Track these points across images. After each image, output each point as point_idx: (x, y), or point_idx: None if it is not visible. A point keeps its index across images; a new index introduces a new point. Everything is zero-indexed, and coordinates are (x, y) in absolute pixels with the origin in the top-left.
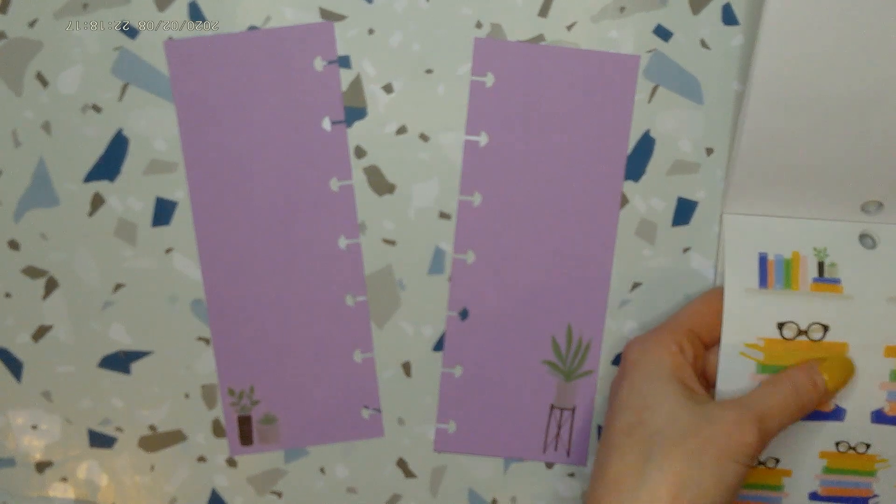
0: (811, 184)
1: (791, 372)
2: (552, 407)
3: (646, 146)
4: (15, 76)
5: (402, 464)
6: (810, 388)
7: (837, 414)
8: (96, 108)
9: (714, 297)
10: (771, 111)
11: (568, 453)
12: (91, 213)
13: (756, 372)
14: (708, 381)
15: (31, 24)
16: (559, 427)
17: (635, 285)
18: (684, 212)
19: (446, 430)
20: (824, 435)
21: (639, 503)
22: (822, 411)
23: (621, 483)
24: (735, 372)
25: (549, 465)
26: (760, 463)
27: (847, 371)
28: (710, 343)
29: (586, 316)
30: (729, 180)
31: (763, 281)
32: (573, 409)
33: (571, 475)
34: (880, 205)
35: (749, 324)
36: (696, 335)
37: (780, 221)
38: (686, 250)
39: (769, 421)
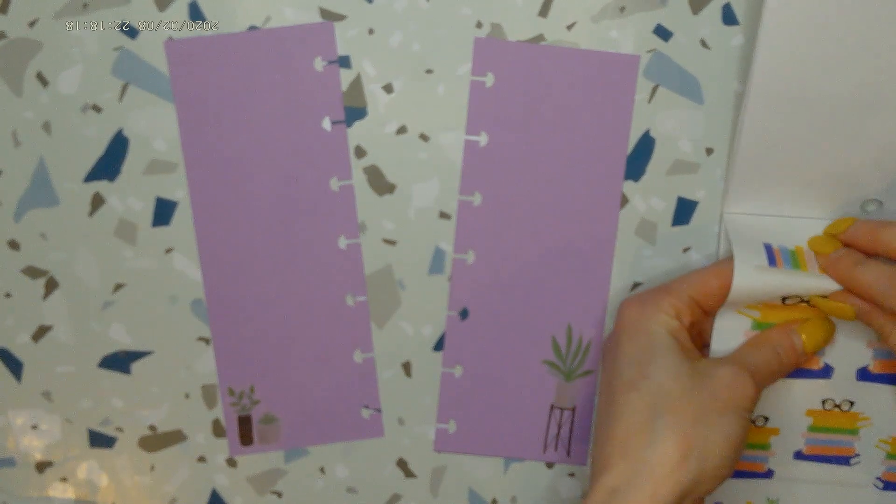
0: (811, 183)
1: (771, 334)
2: (552, 407)
3: (646, 146)
4: (15, 76)
5: (402, 464)
6: (789, 349)
7: (825, 372)
8: (96, 108)
9: (722, 268)
10: (770, 111)
11: (568, 453)
12: (91, 213)
13: (751, 329)
14: (702, 347)
15: (31, 24)
16: (559, 427)
17: (635, 285)
18: (684, 212)
19: (446, 430)
20: (811, 393)
21: (649, 463)
22: (810, 369)
23: (630, 442)
24: (730, 330)
25: (549, 465)
26: (751, 422)
27: (826, 331)
28: (709, 312)
29: (586, 316)
30: (729, 180)
31: (772, 261)
32: (573, 409)
33: (571, 475)
34: (880, 203)
35: (755, 297)
36: (695, 303)
37: (781, 220)
38: (686, 250)
39: (758, 376)
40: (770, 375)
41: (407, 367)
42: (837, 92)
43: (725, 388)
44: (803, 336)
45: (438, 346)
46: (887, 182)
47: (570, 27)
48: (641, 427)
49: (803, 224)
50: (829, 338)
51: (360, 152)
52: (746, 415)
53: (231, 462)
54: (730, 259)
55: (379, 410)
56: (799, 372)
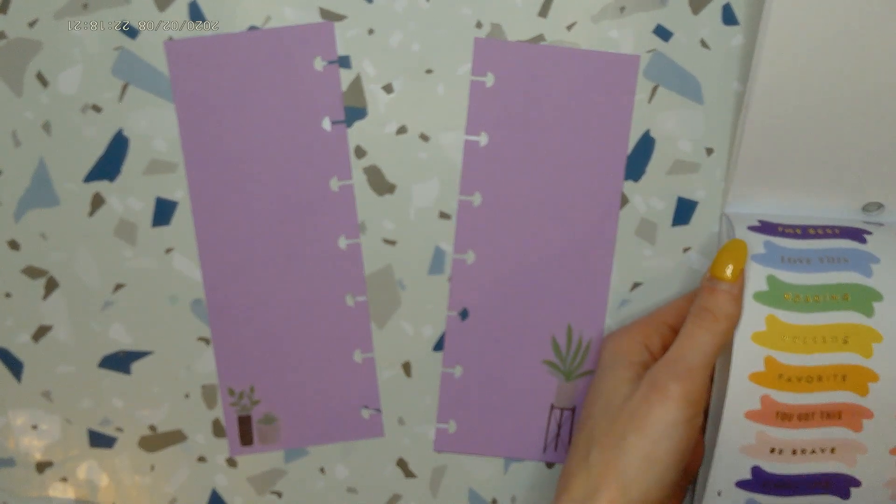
0: (812, 185)
1: (694, 303)
2: (552, 407)
3: (646, 146)
4: (15, 76)
5: (402, 464)
6: (706, 293)
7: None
8: (96, 108)
9: (693, 293)
10: (772, 112)
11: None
12: (91, 213)
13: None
14: None
15: (31, 24)
16: (559, 427)
17: (635, 285)
18: (684, 212)
19: (446, 430)
20: None
21: (585, 497)
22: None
23: (571, 479)
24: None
25: (549, 465)
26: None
27: (736, 252)
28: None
29: (586, 316)
30: (729, 180)
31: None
32: (573, 409)
33: None
34: (881, 206)
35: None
36: (672, 329)
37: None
38: (686, 250)
39: (688, 361)
40: (706, 346)
41: (407, 367)
42: (840, 93)
43: (643, 402)
44: (712, 272)
45: (438, 346)
46: (889, 184)
47: (570, 27)
48: (580, 464)
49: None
50: (742, 256)
51: (360, 152)
52: (674, 418)
53: (231, 462)
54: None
55: (379, 410)
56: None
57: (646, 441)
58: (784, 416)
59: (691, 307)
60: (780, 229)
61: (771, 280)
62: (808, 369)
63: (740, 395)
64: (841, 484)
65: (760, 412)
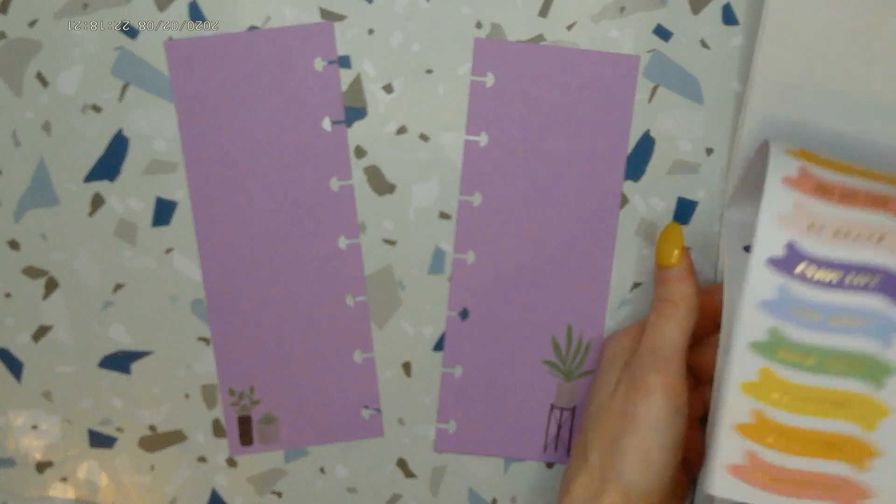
0: None
1: (651, 305)
2: (552, 407)
3: (646, 146)
4: (15, 76)
5: (402, 464)
6: (662, 281)
7: None
8: (96, 108)
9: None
10: (771, 112)
11: (568, 453)
12: (91, 213)
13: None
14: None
15: (31, 24)
16: (559, 427)
17: (635, 285)
18: (684, 212)
19: (446, 430)
20: None
21: (585, 492)
22: None
23: (573, 482)
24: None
25: (549, 465)
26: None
27: (673, 235)
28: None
29: (586, 316)
30: (731, 181)
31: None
32: (573, 409)
33: None
34: None
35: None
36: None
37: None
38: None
39: (661, 352)
40: (676, 333)
41: (407, 367)
42: (839, 94)
43: (628, 399)
44: (659, 260)
45: (438, 346)
46: None
47: (570, 27)
48: (580, 466)
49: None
50: (677, 241)
51: (360, 152)
52: (657, 424)
53: (231, 462)
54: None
55: (379, 410)
56: None
57: (638, 440)
58: (777, 480)
59: (651, 301)
60: (807, 273)
61: (773, 332)
62: (800, 431)
63: (725, 447)
64: None
65: (746, 468)
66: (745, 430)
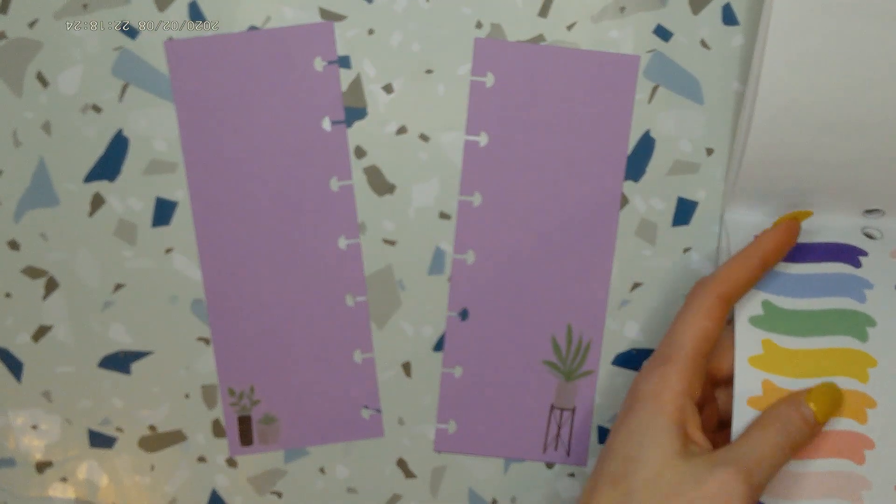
0: (814, 188)
1: (778, 410)
2: (552, 407)
3: (646, 146)
4: (15, 76)
5: (402, 464)
6: (800, 423)
7: None
8: (96, 108)
9: (705, 302)
10: (777, 115)
11: (568, 453)
12: (91, 213)
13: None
14: (713, 419)
15: (31, 24)
16: (559, 427)
17: (635, 285)
18: (684, 212)
19: (446, 430)
20: None
21: None
22: None
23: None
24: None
25: (549, 465)
26: None
27: (835, 399)
28: (715, 352)
29: (586, 316)
30: (730, 181)
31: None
32: (573, 410)
33: (571, 475)
34: (882, 213)
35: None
36: (701, 355)
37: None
38: (686, 250)
39: (760, 472)
40: (778, 460)
41: (407, 368)
42: (841, 95)
43: (706, 498)
44: (812, 405)
45: (438, 346)
46: (890, 189)
47: (570, 27)
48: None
49: (803, 228)
50: (838, 405)
51: (360, 152)
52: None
53: (231, 462)
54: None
55: (379, 410)
56: None
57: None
58: None
59: (782, 408)
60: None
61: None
62: None
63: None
64: None
65: None
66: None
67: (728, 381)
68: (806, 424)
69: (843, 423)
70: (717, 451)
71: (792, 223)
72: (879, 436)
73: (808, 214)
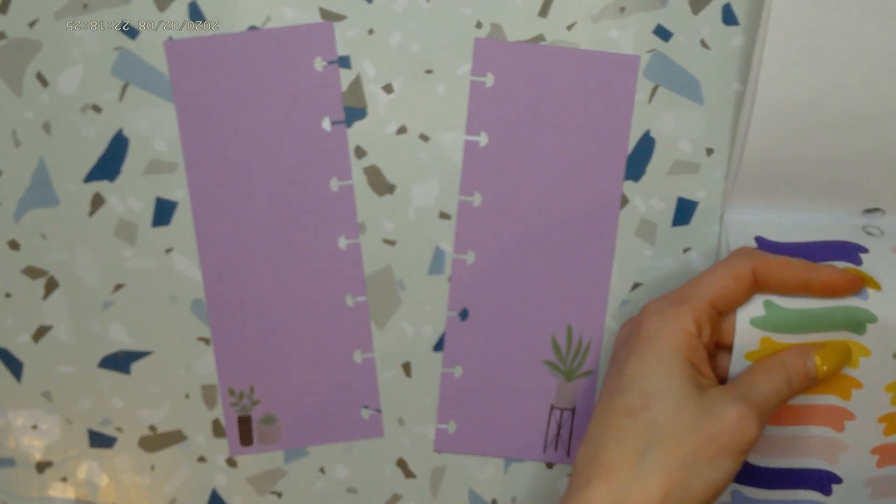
0: (814, 188)
1: (784, 357)
2: (552, 407)
3: (646, 146)
4: (15, 76)
5: (402, 464)
6: (802, 374)
7: None
8: (96, 108)
9: (737, 270)
10: (777, 115)
11: (568, 453)
12: (91, 213)
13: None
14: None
15: (31, 24)
16: (559, 427)
17: (635, 285)
18: (684, 212)
19: (446, 430)
20: None
21: (629, 496)
22: None
23: (615, 470)
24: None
25: (549, 465)
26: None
27: (842, 356)
28: (727, 313)
29: (586, 316)
30: (731, 181)
31: None
32: (573, 410)
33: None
34: (882, 212)
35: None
36: (715, 308)
37: (781, 223)
38: (686, 250)
39: (766, 410)
40: (777, 403)
41: (407, 368)
42: (841, 95)
43: (728, 432)
44: (818, 359)
45: (438, 346)
46: (890, 188)
47: (570, 27)
48: (629, 458)
49: (803, 227)
50: (844, 363)
51: (360, 152)
52: (741, 457)
53: (231, 462)
54: (743, 251)
55: (379, 410)
56: None
57: (727, 471)
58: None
59: (788, 357)
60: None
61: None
62: None
63: None
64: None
65: None
66: None
67: (723, 380)
68: (807, 377)
69: (828, 399)
70: (728, 387)
71: (857, 279)
72: (861, 410)
73: (877, 287)
